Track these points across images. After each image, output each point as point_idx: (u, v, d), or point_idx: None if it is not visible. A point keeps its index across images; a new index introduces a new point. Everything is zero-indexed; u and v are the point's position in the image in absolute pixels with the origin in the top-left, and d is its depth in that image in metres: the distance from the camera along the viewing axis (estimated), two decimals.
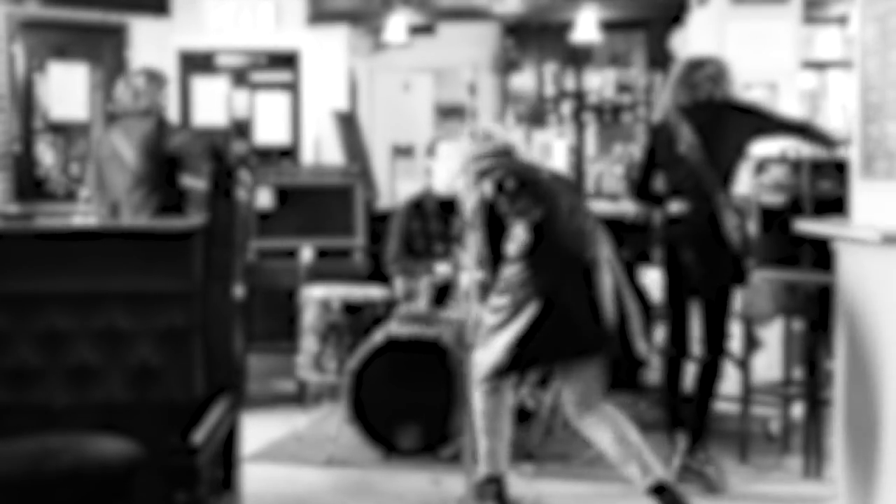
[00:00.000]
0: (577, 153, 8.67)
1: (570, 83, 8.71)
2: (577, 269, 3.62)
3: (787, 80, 6.64)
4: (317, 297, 4.74)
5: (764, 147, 4.87)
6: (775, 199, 5.20)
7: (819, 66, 8.39)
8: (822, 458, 4.31)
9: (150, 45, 7.12)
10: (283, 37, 7.39)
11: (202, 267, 3.05)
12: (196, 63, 7.40)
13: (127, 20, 7.12)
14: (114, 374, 2.98)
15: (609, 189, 8.37)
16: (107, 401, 2.96)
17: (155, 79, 5.12)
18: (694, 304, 4.34)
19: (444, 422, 4.45)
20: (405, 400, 4.49)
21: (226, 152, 4.25)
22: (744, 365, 4.56)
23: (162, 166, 4.97)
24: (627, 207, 4.75)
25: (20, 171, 6.70)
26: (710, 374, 4.25)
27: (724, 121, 4.24)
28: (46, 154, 6.84)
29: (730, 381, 4.72)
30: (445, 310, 4.69)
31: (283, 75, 7.48)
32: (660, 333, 4.59)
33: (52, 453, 2.67)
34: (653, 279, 5.24)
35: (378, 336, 4.53)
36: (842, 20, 8.04)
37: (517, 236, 3.66)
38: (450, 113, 9.01)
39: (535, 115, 8.66)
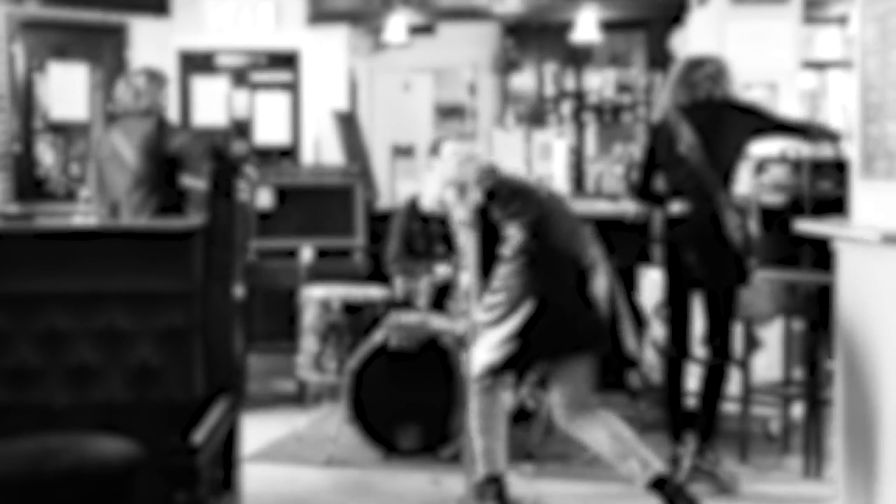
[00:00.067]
0: (577, 153, 8.67)
1: (570, 83, 8.71)
2: (572, 268, 3.64)
3: (787, 80, 6.64)
4: (317, 297, 4.74)
5: (764, 147, 4.87)
6: (775, 199, 5.20)
7: (819, 66, 8.40)
8: (822, 458, 4.31)
9: (150, 45, 7.12)
10: (283, 37, 7.39)
11: (202, 267, 3.05)
12: (196, 63, 7.40)
13: (127, 20, 7.12)
14: (114, 374, 2.98)
15: (609, 189, 8.37)
16: (107, 401, 2.96)
17: (156, 79, 5.11)
18: (695, 305, 4.34)
19: (444, 422, 4.45)
20: (405, 400, 4.49)
21: (227, 152, 4.24)
22: (744, 365, 4.56)
23: (162, 166, 4.97)
24: (627, 207, 4.74)
25: (20, 171, 6.71)
26: (717, 376, 4.25)
27: (724, 120, 4.24)
28: (46, 154, 6.84)
29: (730, 381, 4.71)
30: (442, 316, 4.69)
31: (283, 75, 7.48)
32: (660, 334, 4.59)
33: (52, 453, 2.67)
34: (653, 279, 5.24)
35: (378, 336, 4.53)
36: (842, 20, 8.04)
37: (511, 238, 3.67)
38: (450, 113, 9.01)
39: (535, 115, 8.67)
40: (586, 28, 7.66)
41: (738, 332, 4.67)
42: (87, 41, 7.01)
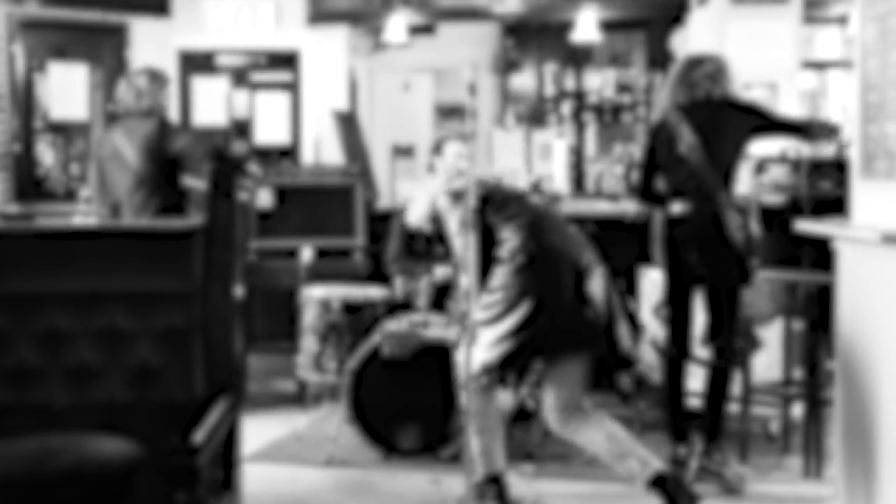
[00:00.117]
0: (577, 153, 8.67)
1: (570, 83, 8.72)
2: (569, 269, 3.64)
3: (787, 80, 6.65)
4: (317, 297, 4.74)
5: (764, 147, 4.88)
6: (775, 199, 5.21)
7: (819, 66, 8.41)
8: (822, 458, 4.31)
9: (150, 45, 7.12)
10: (283, 37, 7.39)
11: (202, 267, 3.05)
12: (196, 63, 7.40)
13: (127, 20, 7.12)
14: (114, 374, 2.98)
15: (609, 189, 8.37)
16: (107, 401, 2.96)
17: (157, 79, 5.11)
18: (696, 304, 4.34)
19: (444, 422, 4.45)
20: (405, 400, 4.49)
21: (227, 152, 4.24)
22: (744, 365, 4.56)
23: (163, 167, 4.96)
24: (627, 207, 4.74)
25: (20, 170, 6.71)
26: (722, 376, 4.25)
27: (723, 119, 4.23)
28: (46, 154, 6.84)
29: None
30: (440, 317, 4.68)
31: (283, 75, 7.49)
32: (660, 334, 4.59)
33: (52, 453, 2.67)
34: (653, 279, 5.24)
35: (377, 337, 4.53)
36: (842, 20, 8.05)
37: (507, 240, 3.68)
38: (450, 113, 9.01)
39: (535, 115, 8.67)
40: (586, 28, 7.66)
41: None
42: (87, 41, 7.01)
